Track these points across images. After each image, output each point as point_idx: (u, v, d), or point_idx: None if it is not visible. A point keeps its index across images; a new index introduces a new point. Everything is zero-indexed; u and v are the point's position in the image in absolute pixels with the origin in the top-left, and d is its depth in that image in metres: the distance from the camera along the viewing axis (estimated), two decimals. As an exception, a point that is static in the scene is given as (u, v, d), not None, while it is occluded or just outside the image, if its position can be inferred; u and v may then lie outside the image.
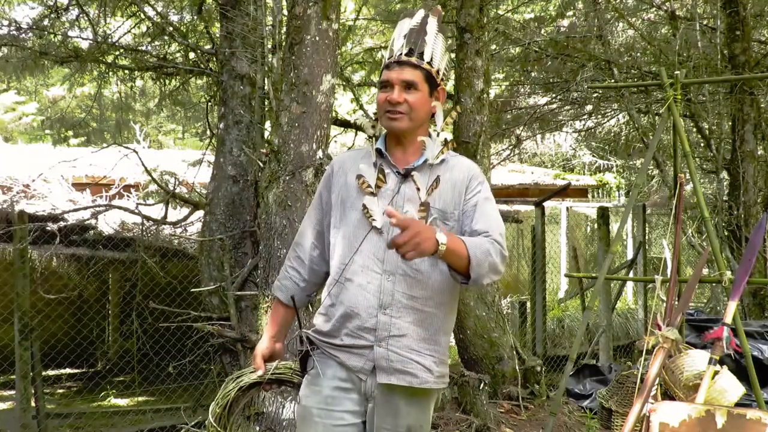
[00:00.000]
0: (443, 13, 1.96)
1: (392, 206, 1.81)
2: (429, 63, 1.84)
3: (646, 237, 7.67)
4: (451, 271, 1.72)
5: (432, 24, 1.88)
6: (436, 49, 1.87)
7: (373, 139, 1.95)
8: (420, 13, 1.90)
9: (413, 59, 1.82)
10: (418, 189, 1.83)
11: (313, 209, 1.98)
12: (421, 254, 1.59)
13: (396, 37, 1.88)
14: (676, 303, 2.84)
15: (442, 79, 1.89)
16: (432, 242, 1.58)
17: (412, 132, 1.87)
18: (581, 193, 12.35)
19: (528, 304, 6.36)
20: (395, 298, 1.77)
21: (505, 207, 8.16)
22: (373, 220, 1.81)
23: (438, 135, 1.91)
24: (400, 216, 1.57)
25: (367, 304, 1.78)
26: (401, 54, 1.83)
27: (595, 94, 7.65)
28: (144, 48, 6.30)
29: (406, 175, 1.85)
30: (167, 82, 6.24)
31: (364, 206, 1.82)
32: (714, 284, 6.12)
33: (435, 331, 1.81)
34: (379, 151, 1.89)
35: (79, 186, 7.22)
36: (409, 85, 1.81)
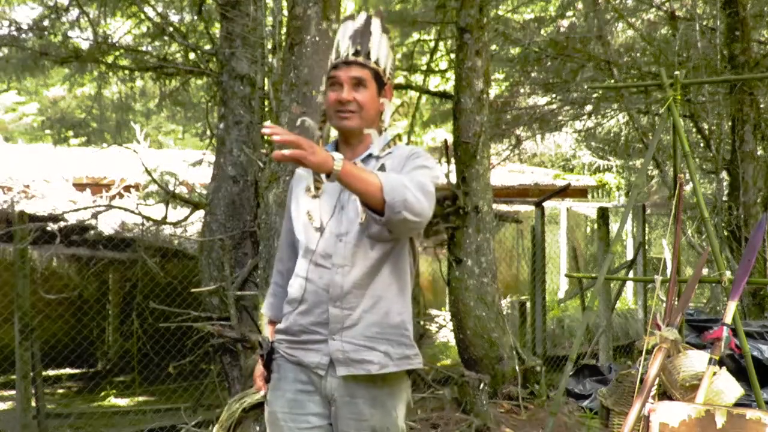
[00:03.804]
0: (385, 15, 2.00)
1: (340, 203, 1.85)
2: (376, 62, 1.90)
3: (646, 237, 7.68)
4: (366, 210, 1.69)
5: (376, 25, 1.93)
6: (382, 49, 1.92)
7: (320, 141, 1.99)
8: (363, 16, 1.96)
9: (360, 59, 1.87)
10: None
11: (284, 222, 2.04)
12: (308, 162, 1.55)
13: (341, 39, 1.92)
14: (676, 303, 2.84)
15: (388, 78, 1.95)
16: (319, 159, 1.56)
17: (359, 131, 1.91)
18: (581, 193, 12.35)
19: (528, 304, 6.36)
20: (345, 289, 1.79)
21: (505, 207, 8.16)
22: (313, 221, 1.86)
23: (385, 130, 1.95)
24: (278, 131, 1.53)
25: (318, 299, 1.81)
26: (348, 54, 1.88)
27: (595, 95, 7.65)
28: (144, 48, 6.31)
29: None
30: (167, 82, 6.24)
31: (308, 212, 1.88)
32: (714, 284, 6.12)
33: (385, 313, 1.81)
34: None
35: (79, 186, 7.22)
36: (357, 84, 1.86)
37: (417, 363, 1.87)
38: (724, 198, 6.57)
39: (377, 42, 1.91)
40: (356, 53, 1.88)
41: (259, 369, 1.98)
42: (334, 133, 2.05)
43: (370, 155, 1.90)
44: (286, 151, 1.53)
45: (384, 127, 1.95)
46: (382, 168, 1.85)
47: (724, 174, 6.82)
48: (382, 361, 1.79)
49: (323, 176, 1.67)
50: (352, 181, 1.62)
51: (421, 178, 1.73)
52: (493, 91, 8.33)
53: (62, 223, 5.46)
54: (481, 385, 4.08)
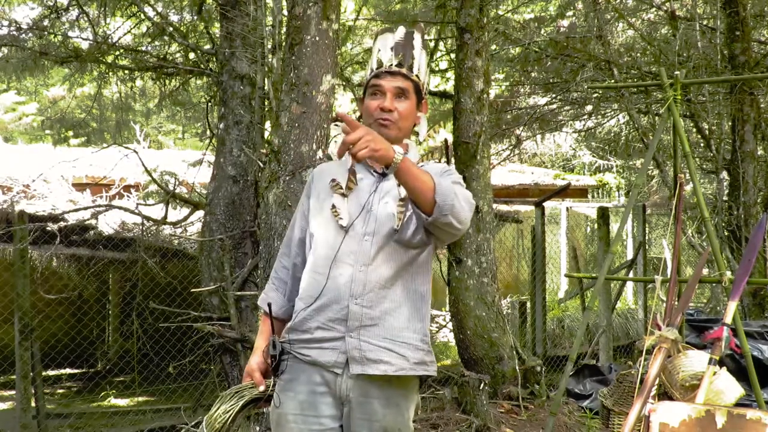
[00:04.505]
0: (424, 29, 2.03)
1: (370, 203, 1.86)
2: (417, 76, 1.93)
3: (646, 237, 7.68)
4: (414, 208, 1.72)
5: (417, 40, 1.97)
6: (422, 64, 1.96)
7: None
8: (402, 29, 1.98)
9: (404, 70, 1.91)
10: (399, 184, 1.85)
11: (296, 218, 2.03)
12: (374, 153, 1.58)
13: (381, 49, 1.94)
14: (676, 303, 2.84)
15: (425, 93, 1.98)
16: (386, 146, 1.61)
17: (397, 141, 1.91)
18: (581, 193, 12.36)
19: (528, 304, 6.36)
20: (367, 287, 1.79)
21: (505, 207, 8.16)
22: (340, 218, 1.85)
23: (420, 144, 1.99)
24: (349, 119, 1.60)
25: (338, 295, 1.80)
26: (392, 65, 1.91)
27: (595, 94, 7.65)
28: (144, 48, 6.31)
29: (384, 174, 1.90)
30: (167, 82, 6.25)
31: (333, 206, 1.87)
32: (714, 284, 6.12)
33: (407, 317, 1.82)
34: None
35: (79, 186, 7.22)
36: (401, 94, 1.89)
37: (432, 370, 1.87)
38: (725, 198, 6.57)
39: (418, 56, 1.95)
40: (399, 65, 1.91)
41: (254, 363, 1.94)
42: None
43: None
44: (349, 136, 1.56)
45: (419, 141, 1.98)
46: None
47: (724, 174, 6.82)
48: (399, 363, 1.78)
49: (382, 168, 1.70)
50: (408, 177, 1.64)
51: (466, 192, 1.78)
52: (493, 91, 8.33)
53: (62, 223, 5.46)
54: (481, 385, 4.08)
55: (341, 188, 1.89)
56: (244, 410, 1.93)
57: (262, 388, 1.90)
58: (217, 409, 1.89)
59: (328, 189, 1.91)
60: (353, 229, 1.84)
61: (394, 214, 1.82)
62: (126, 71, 6.25)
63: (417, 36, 1.97)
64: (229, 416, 1.87)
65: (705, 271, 5.21)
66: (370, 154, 1.58)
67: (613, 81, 6.57)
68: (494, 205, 5.11)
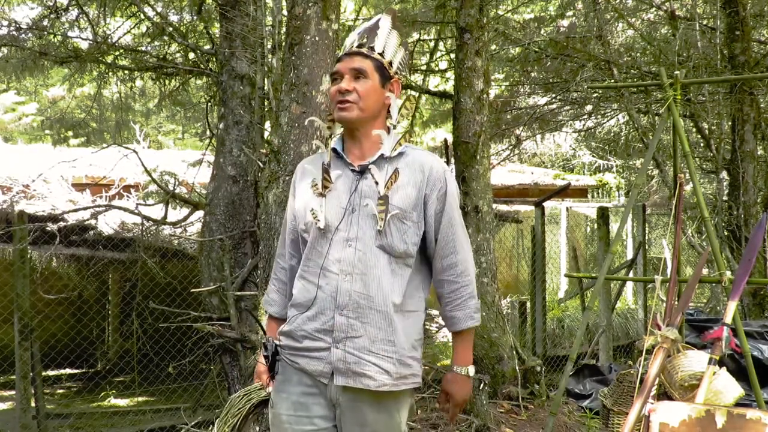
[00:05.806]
0: (399, 14, 2.02)
1: (351, 205, 1.81)
2: (380, 54, 1.86)
3: (646, 237, 7.68)
4: None
5: (385, 21, 1.92)
6: (389, 43, 1.89)
7: (330, 139, 1.94)
8: (375, 17, 1.95)
9: (363, 50, 1.85)
10: (377, 183, 1.80)
11: (286, 218, 2.00)
12: (462, 404, 1.91)
13: (350, 36, 1.92)
14: (676, 303, 2.84)
15: (396, 72, 1.90)
16: (459, 393, 1.91)
17: (365, 124, 1.85)
18: (581, 193, 12.35)
19: (528, 304, 6.35)
20: (352, 298, 1.75)
21: (505, 207, 8.16)
22: (317, 221, 1.80)
23: (394, 128, 1.89)
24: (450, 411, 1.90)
25: (325, 306, 1.77)
26: (352, 47, 1.87)
27: (595, 94, 7.65)
28: (144, 48, 6.31)
29: (362, 172, 1.84)
30: (167, 82, 6.24)
31: (312, 210, 1.83)
32: (714, 284, 6.12)
33: (392, 331, 1.77)
34: (335, 151, 1.89)
35: (79, 186, 7.21)
36: (358, 74, 1.82)
37: (412, 383, 1.84)
38: (724, 198, 6.57)
39: (384, 36, 1.89)
40: (360, 46, 1.86)
41: (262, 365, 1.96)
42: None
43: (381, 156, 1.84)
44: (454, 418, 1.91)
45: (392, 124, 1.89)
46: (396, 174, 1.80)
47: (724, 174, 6.82)
48: (380, 378, 1.75)
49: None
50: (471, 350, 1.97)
51: (468, 259, 1.90)
52: (493, 91, 8.33)
53: (62, 223, 5.46)
54: (481, 385, 4.08)
55: (317, 188, 1.85)
56: (255, 411, 1.94)
57: (269, 389, 1.91)
58: (227, 412, 1.91)
59: (309, 190, 1.88)
60: (337, 233, 1.80)
61: (375, 215, 1.78)
62: (126, 71, 6.25)
63: (385, 19, 1.92)
64: (238, 419, 1.89)
65: (705, 271, 5.21)
66: (462, 405, 1.91)
67: (613, 81, 6.56)
68: (494, 205, 5.10)
